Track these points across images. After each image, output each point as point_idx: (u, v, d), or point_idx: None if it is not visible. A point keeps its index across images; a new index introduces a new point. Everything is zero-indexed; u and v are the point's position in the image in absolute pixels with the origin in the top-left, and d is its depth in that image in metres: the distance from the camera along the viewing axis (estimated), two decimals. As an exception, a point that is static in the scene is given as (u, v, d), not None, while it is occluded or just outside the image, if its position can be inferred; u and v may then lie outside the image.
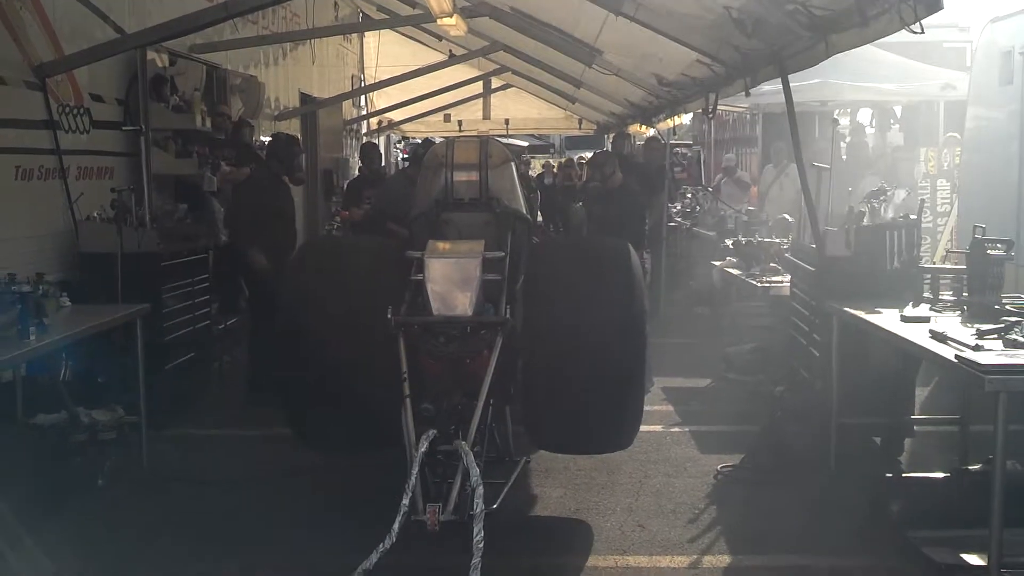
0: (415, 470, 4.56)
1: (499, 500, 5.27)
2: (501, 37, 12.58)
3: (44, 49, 7.47)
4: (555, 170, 19.99)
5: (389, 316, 5.39)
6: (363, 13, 16.88)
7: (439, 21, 10.18)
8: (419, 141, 16.64)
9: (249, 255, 8.14)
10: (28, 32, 7.28)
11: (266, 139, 12.30)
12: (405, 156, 22.15)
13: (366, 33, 18.00)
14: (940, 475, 5.65)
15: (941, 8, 4.59)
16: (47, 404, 6.48)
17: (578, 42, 10.46)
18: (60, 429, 6.31)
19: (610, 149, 14.26)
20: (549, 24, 10.41)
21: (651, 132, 13.87)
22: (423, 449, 4.63)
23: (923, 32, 4.82)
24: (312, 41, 14.94)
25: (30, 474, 5.66)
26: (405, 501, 4.47)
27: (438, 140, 17.15)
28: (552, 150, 27.51)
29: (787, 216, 10.35)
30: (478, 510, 4.42)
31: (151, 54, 8.76)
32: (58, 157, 7.60)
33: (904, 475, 6.02)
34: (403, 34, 16.84)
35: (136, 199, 7.86)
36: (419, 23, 13.14)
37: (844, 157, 12.66)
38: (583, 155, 20.50)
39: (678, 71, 9.66)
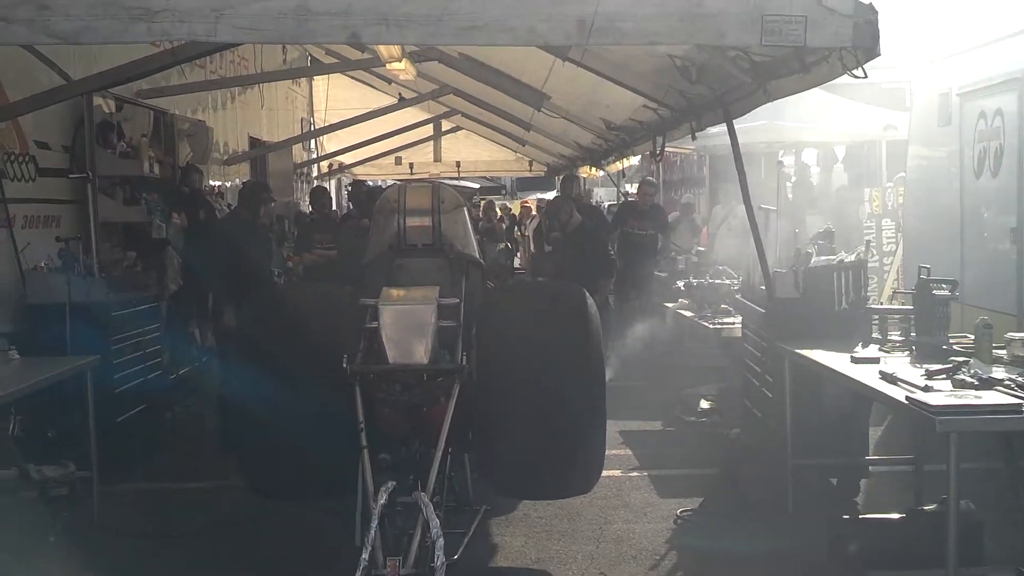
0: (374, 523, 4.51)
1: (460, 551, 5.21)
2: (450, 80, 12.63)
3: (-11, 97, 7.38)
4: (480, 213, 20.05)
5: (344, 365, 5.35)
6: (312, 57, 16.87)
7: (388, 66, 10.19)
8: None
9: (223, 315, 8.05)
10: (-28, 80, 7.20)
11: (215, 184, 12.26)
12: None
13: (315, 77, 18.00)
14: (896, 516, 5.69)
15: (878, 55, 4.67)
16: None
17: (526, 87, 10.54)
18: (10, 486, 6.16)
19: (559, 192, 14.36)
20: (497, 69, 10.49)
21: (633, 166, 13.96)
22: (382, 501, 4.59)
23: (866, 76, 4.93)
24: (261, 85, 14.90)
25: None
26: (365, 555, 4.41)
27: (371, 183, 16.97)
28: (504, 191, 27.61)
29: (726, 268, 10.27)
30: (439, 562, 4.37)
31: (97, 100, 8.68)
32: (3, 206, 7.47)
33: (861, 516, 6.05)
34: (352, 77, 16.81)
35: (84, 248, 7.76)
36: (368, 67, 13.12)
37: (790, 197, 12.81)
38: (540, 196, 20.56)
39: (625, 115, 9.77)
